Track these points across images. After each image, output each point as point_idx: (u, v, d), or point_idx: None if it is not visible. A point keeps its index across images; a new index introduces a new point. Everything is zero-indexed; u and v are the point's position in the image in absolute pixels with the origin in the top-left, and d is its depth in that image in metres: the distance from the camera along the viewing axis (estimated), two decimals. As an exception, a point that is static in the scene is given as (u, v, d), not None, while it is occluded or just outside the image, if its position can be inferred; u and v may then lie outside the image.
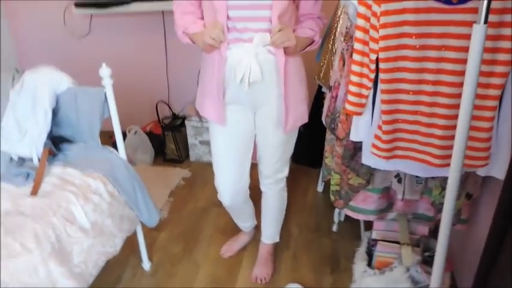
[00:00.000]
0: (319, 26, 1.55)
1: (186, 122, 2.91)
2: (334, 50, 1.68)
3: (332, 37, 1.70)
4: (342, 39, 1.48)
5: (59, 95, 1.74)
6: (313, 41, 1.55)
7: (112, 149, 1.86)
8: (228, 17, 1.48)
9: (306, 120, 1.60)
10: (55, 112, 1.75)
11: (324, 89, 1.91)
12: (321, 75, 1.78)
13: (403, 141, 1.31)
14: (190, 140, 2.95)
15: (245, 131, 1.67)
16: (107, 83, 1.67)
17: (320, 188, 2.54)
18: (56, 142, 1.82)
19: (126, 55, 3.05)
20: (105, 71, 1.67)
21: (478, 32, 0.85)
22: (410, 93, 1.24)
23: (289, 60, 1.49)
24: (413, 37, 1.16)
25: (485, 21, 0.85)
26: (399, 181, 1.52)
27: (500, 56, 1.12)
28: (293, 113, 1.55)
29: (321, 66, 1.78)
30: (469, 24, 1.11)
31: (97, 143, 1.81)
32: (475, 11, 1.10)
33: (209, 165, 2.96)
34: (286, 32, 1.42)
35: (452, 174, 0.98)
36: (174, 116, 3.10)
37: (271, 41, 1.43)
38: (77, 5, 2.73)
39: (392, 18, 1.17)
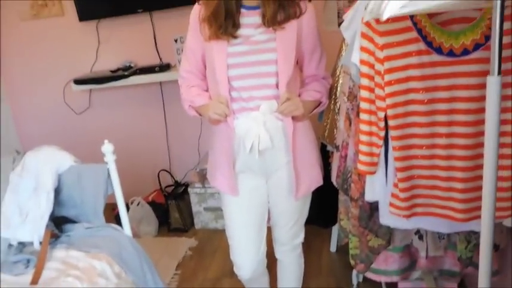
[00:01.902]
0: (325, 87, 1.55)
1: (189, 189, 2.85)
2: (336, 109, 1.67)
3: (333, 96, 1.69)
4: (345, 98, 1.47)
5: (61, 174, 1.70)
6: (320, 103, 1.55)
7: (116, 226, 1.79)
8: (232, 87, 1.48)
9: (320, 183, 1.55)
10: (57, 192, 1.70)
11: (328, 148, 1.89)
12: (325, 134, 1.77)
13: (422, 197, 1.25)
14: (195, 208, 2.87)
15: (259, 199, 1.61)
16: (110, 159, 1.64)
17: (333, 248, 2.44)
18: (58, 223, 1.75)
19: (126, 126, 3.06)
20: (107, 147, 1.64)
21: (493, 83, 0.83)
22: (424, 147, 1.20)
23: (298, 125, 1.48)
24: (421, 92, 1.15)
25: (499, 72, 0.83)
26: (420, 238, 1.45)
27: (510, 103, 1.10)
28: (305, 178, 1.51)
29: (325, 126, 1.77)
30: (476, 74, 1.11)
31: (101, 221, 1.75)
32: (480, 61, 1.10)
33: (216, 232, 2.91)
34: (294, 101, 1.42)
35: (485, 231, 0.92)
36: (177, 184, 3.05)
37: (278, 110, 1.42)
38: (76, 81, 2.77)
39: (397, 75, 1.16)
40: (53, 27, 2.89)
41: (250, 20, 1.48)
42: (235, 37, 1.45)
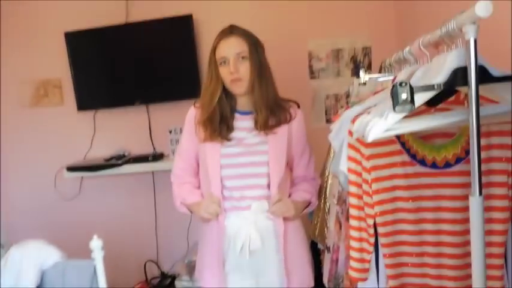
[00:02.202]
0: (314, 187, 1.61)
1: (176, 281, 2.75)
2: (326, 209, 1.70)
3: (323, 195, 1.73)
4: (335, 201, 1.51)
5: (45, 270, 1.65)
6: (310, 203, 1.59)
7: (98, 327, 1.70)
8: (224, 187, 1.53)
9: (311, 284, 1.55)
10: (39, 290, 1.64)
11: (319, 246, 1.88)
12: (316, 233, 1.77)
13: (414, 306, 1.23)
14: (181, 302, 2.75)
15: None
16: (98, 256, 1.60)
17: None
18: (36, 323, 1.66)
19: (115, 214, 3.03)
20: (96, 244, 1.61)
21: (475, 203, 0.87)
22: (414, 255, 1.21)
23: (289, 224, 1.50)
24: (410, 200, 1.18)
25: (480, 193, 0.87)
26: None
27: (495, 215, 1.13)
28: (296, 277, 1.51)
29: (315, 224, 1.79)
30: (459, 186, 1.15)
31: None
32: (462, 173, 1.15)
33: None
34: (286, 202, 1.46)
35: None
36: (163, 276, 2.95)
37: (270, 210, 1.46)
38: (69, 168, 2.79)
39: (383, 184, 1.20)
40: (52, 116, 2.98)
41: (243, 123, 1.57)
42: (228, 139, 1.52)
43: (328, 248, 1.58)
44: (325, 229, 1.70)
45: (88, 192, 3.03)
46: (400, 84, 0.87)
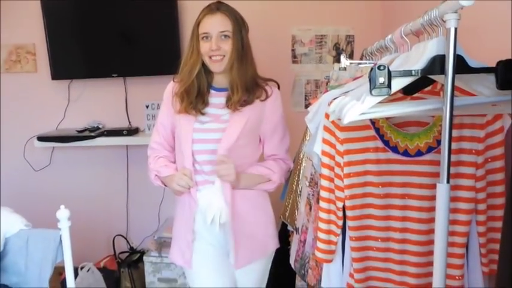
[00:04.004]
0: (279, 167, 1.63)
1: (144, 257, 2.74)
2: (298, 191, 1.71)
3: (296, 178, 1.74)
4: (307, 183, 1.52)
5: (8, 238, 1.61)
6: (270, 180, 1.59)
7: (61, 297, 1.68)
8: (195, 161, 1.53)
9: (264, 255, 1.61)
10: (1, 257, 1.60)
11: (289, 227, 1.90)
12: (287, 214, 1.79)
13: (375, 289, 1.26)
14: (148, 278, 2.74)
15: (222, 269, 1.59)
16: (64, 226, 1.58)
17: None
18: (-3, 291, 1.63)
19: (86, 187, 2.98)
20: (62, 213, 1.59)
21: (442, 190, 0.89)
22: (379, 240, 1.23)
23: (245, 194, 1.55)
24: (379, 186, 1.20)
25: (448, 181, 0.89)
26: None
27: (460, 205, 1.16)
28: (244, 248, 1.55)
29: (286, 206, 1.80)
30: (428, 174, 1.17)
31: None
32: (432, 163, 1.17)
33: (168, 308, 2.77)
34: (228, 167, 1.48)
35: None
36: (132, 251, 2.93)
37: (216, 170, 1.48)
38: (40, 138, 2.72)
39: (355, 168, 1.21)
40: (24, 83, 2.89)
41: (218, 100, 1.57)
42: (202, 114, 1.53)
43: (297, 230, 1.59)
44: (296, 211, 1.71)
45: (59, 164, 2.96)
46: (379, 67, 0.87)
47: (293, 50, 2.77)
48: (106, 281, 2.76)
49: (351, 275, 1.26)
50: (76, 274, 2.55)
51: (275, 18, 2.72)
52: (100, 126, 2.82)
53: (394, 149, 1.20)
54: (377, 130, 1.20)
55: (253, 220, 1.61)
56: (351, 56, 2.74)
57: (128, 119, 2.88)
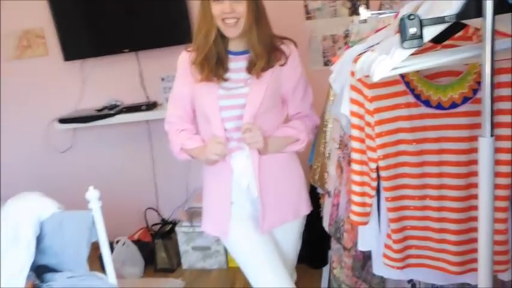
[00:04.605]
0: (305, 124, 1.57)
1: (176, 228, 2.78)
2: (326, 154, 1.66)
3: (323, 140, 1.69)
4: (336, 146, 1.47)
5: (43, 222, 1.64)
6: (298, 140, 1.55)
7: (101, 275, 1.72)
8: (224, 129, 1.50)
9: (292, 218, 1.59)
10: (38, 241, 1.64)
11: (319, 190, 1.87)
12: (316, 177, 1.75)
13: (415, 248, 1.23)
14: (182, 247, 2.80)
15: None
16: (95, 206, 1.59)
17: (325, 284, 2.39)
18: (40, 273, 1.68)
19: (112, 165, 3.01)
20: (92, 194, 1.59)
21: (485, 145, 0.83)
22: (416, 198, 1.19)
23: (274, 157, 1.52)
24: (413, 143, 1.15)
25: (492, 134, 0.83)
26: (413, 286, 1.42)
27: (500, 156, 1.10)
28: (273, 211, 1.54)
29: (315, 169, 1.76)
30: (464, 127, 1.11)
31: (84, 270, 1.68)
32: (468, 114, 1.10)
33: (204, 272, 2.83)
34: (254, 134, 1.45)
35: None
36: (164, 222, 2.98)
37: (243, 138, 1.46)
38: (61, 120, 2.73)
39: (387, 127, 1.16)
40: (37, 67, 2.87)
41: (236, 64, 1.51)
42: (225, 80, 1.47)
43: (328, 193, 1.56)
44: (326, 174, 1.68)
45: (81, 144, 2.98)
46: (409, 17, 0.79)
47: (306, 6, 2.65)
48: (141, 253, 2.84)
49: (389, 236, 1.23)
50: (112, 249, 2.62)
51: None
52: (118, 104, 2.80)
53: (427, 103, 1.13)
54: (407, 84, 1.13)
55: (284, 183, 1.58)
56: (367, 7, 2.60)
57: (145, 93, 2.84)
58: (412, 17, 0.78)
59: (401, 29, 0.80)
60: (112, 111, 2.67)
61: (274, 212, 1.55)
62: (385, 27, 1.29)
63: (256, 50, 1.46)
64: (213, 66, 1.48)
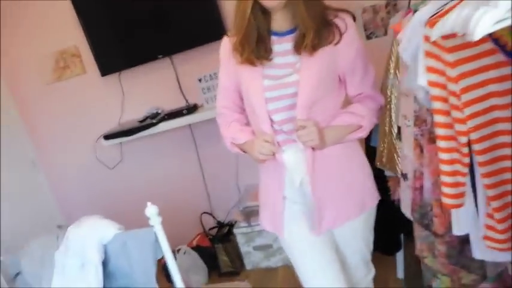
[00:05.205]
0: (368, 108, 1.41)
1: (234, 229, 2.71)
2: (393, 133, 1.52)
3: (388, 119, 1.54)
4: (408, 123, 1.32)
5: (106, 245, 1.59)
6: (360, 127, 1.40)
7: (171, 289, 1.67)
8: (272, 121, 1.39)
9: (356, 215, 1.45)
10: (104, 264, 1.59)
11: (387, 173, 1.73)
12: (384, 160, 1.60)
13: (522, 226, 1.08)
14: (243, 248, 2.72)
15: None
16: (156, 222, 1.52)
17: (401, 274, 2.24)
18: (110, 297, 1.64)
19: (161, 173, 2.98)
20: (151, 210, 1.52)
21: None
22: (518, 170, 1.04)
23: (329, 148, 1.38)
24: (509, 108, 0.99)
25: None
26: (517, 266, 1.26)
27: None
28: (331, 212, 1.41)
29: (381, 151, 1.61)
30: None
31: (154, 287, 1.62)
32: None
33: (269, 271, 2.75)
34: (310, 130, 1.31)
35: None
36: (220, 225, 2.92)
37: (296, 136, 1.32)
38: (106, 137, 2.71)
39: (475, 93, 1.01)
40: (77, 86, 2.87)
41: (281, 47, 1.38)
42: (269, 60, 1.36)
43: (404, 176, 1.42)
44: (395, 155, 1.53)
45: (130, 157, 2.96)
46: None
47: (340, -22, 2.48)
48: (203, 259, 2.79)
49: (490, 216, 1.08)
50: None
51: None
52: (159, 112, 2.75)
53: (521, 59, 0.97)
54: (496, 41, 0.97)
55: (344, 177, 1.43)
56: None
57: (184, 97, 2.78)
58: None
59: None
60: (154, 120, 2.63)
61: (332, 212, 1.42)
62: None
63: (306, 23, 1.29)
64: (254, 46, 1.34)
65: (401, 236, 2.15)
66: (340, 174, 1.41)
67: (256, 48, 1.34)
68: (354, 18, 1.38)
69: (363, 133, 1.42)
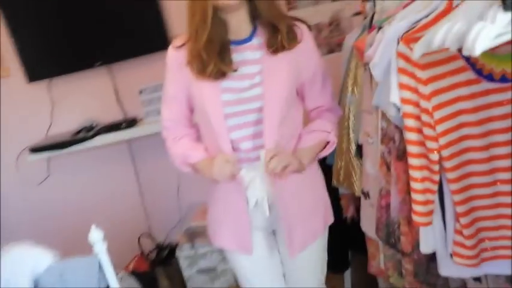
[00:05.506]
0: (331, 122, 1.38)
1: (177, 252, 2.55)
2: (351, 150, 1.51)
3: (346, 137, 1.53)
4: (371, 140, 1.31)
5: (38, 278, 1.38)
6: (328, 142, 1.38)
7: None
8: (231, 140, 1.30)
9: (321, 234, 1.44)
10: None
11: (342, 191, 1.72)
12: (341, 178, 1.59)
13: (488, 240, 1.10)
14: (186, 272, 2.56)
15: (275, 257, 1.45)
16: (100, 249, 1.35)
17: (349, 291, 2.24)
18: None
19: (94, 191, 2.73)
20: (95, 236, 1.35)
21: None
22: (485, 186, 1.06)
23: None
24: (478, 125, 1.01)
25: None
26: (477, 279, 1.28)
27: None
28: (299, 231, 1.36)
29: (338, 169, 1.59)
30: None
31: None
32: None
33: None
34: (283, 157, 1.23)
35: None
36: (160, 247, 2.74)
37: (267, 171, 1.23)
38: (33, 150, 2.42)
39: (447, 110, 1.02)
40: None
41: (240, 56, 1.29)
42: (234, 70, 1.26)
43: (365, 194, 1.40)
44: (353, 173, 1.52)
45: (59, 173, 2.67)
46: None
47: (286, -5, 2.50)
48: (142, 284, 2.58)
49: (458, 232, 1.09)
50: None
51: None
52: (94, 125, 2.53)
53: (489, 77, 0.99)
54: (467, 59, 0.98)
55: (308, 195, 1.39)
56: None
57: (123, 110, 2.59)
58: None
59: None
60: (89, 134, 2.41)
61: (302, 231, 1.37)
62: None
63: (276, 18, 1.24)
64: (216, 57, 1.23)
65: (349, 254, 2.16)
66: (304, 193, 1.37)
67: (217, 58, 1.24)
68: (310, 28, 1.35)
69: (332, 148, 1.39)
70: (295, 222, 1.34)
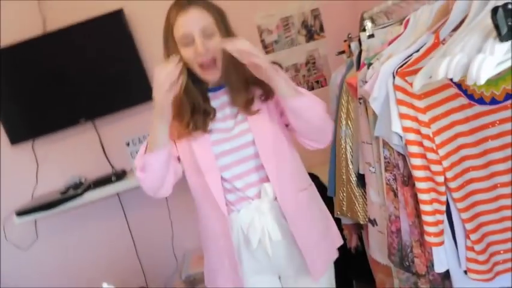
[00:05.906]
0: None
1: (176, 302, 2.49)
2: (352, 180, 1.56)
3: (344, 169, 1.59)
4: (373, 169, 1.37)
5: None
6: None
7: None
8: (223, 179, 1.30)
9: (335, 255, 1.42)
10: None
11: (344, 221, 1.76)
12: (344, 208, 1.63)
13: (498, 254, 1.15)
14: (188, 322, 2.50)
15: None
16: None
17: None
18: None
19: (87, 251, 2.66)
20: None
21: None
22: (489, 201, 1.12)
23: (299, 197, 1.33)
24: (475, 145, 1.09)
25: None
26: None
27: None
28: (317, 252, 1.34)
29: (341, 200, 1.63)
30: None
31: None
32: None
33: None
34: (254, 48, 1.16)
35: None
36: (158, 301, 2.67)
37: (232, 47, 1.16)
38: (19, 213, 2.35)
39: (446, 135, 1.10)
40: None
41: (218, 102, 1.31)
42: (207, 132, 1.28)
43: (372, 221, 1.45)
44: (356, 202, 1.57)
45: (47, 234, 2.60)
46: (504, 7, 0.73)
47: (262, 41, 2.62)
48: None
49: (470, 249, 1.14)
50: None
51: (235, 12, 2.53)
52: (82, 181, 2.50)
53: (481, 101, 1.08)
54: (459, 86, 1.07)
55: (317, 220, 1.39)
56: (321, 29, 2.63)
57: (110, 163, 2.58)
58: (510, 6, 0.72)
59: (498, 23, 0.73)
60: (79, 191, 2.37)
61: (318, 253, 1.35)
62: (400, 35, 1.25)
63: (236, 86, 1.27)
64: (189, 119, 1.25)
65: (354, 283, 2.17)
66: (313, 218, 1.37)
67: (192, 120, 1.26)
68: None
69: (323, 105, 1.28)
70: (311, 245, 1.33)
